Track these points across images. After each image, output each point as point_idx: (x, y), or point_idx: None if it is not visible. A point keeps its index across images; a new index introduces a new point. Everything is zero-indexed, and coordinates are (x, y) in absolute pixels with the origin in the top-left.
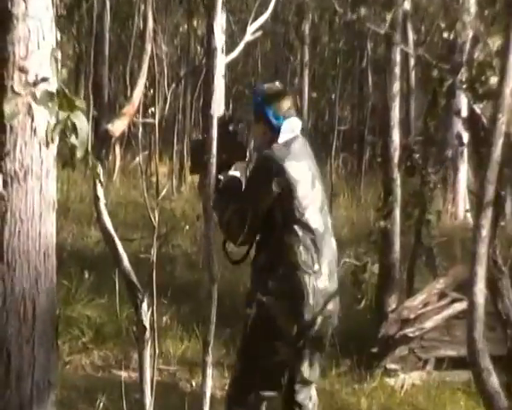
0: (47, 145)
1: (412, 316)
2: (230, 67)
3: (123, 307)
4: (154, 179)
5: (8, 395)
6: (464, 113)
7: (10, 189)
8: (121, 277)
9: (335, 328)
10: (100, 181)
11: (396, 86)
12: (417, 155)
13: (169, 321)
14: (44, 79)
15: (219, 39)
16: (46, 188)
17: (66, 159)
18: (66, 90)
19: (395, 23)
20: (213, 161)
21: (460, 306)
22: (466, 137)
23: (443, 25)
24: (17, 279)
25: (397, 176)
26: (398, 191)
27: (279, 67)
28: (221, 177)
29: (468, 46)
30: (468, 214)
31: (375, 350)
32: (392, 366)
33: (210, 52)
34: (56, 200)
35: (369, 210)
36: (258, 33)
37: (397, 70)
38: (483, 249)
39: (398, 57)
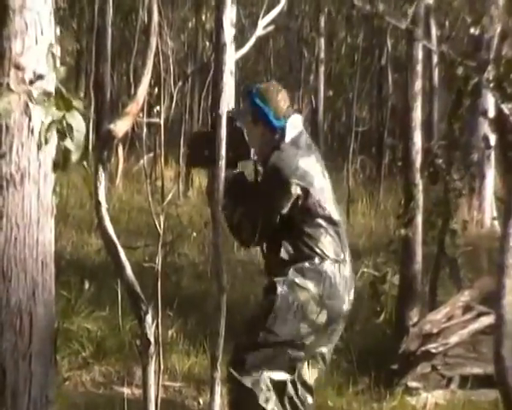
0: (39, 147)
1: (435, 331)
2: (240, 64)
3: (125, 319)
4: (159, 183)
5: None
6: (491, 113)
7: (6, 193)
8: (124, 287)
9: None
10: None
11: (418, 85)
12: (440, 160)
13: (175, 335)
14: (42, 77)
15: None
16: (44, 192)
17: (57, 161)
18: (64, 90)
19: (417, 17)
20: (222, 163)
21: (487, 320)
22: (493, 139)
23: (468, 19)
24: (13, 290)
25: (419, 181)
26: (420, 198)
27: (293, 64)
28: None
29: (495, 42)
30: (496, 222)
31: (395, 367)
32: (414, 384)
33: (219, 48)
34: (55, 205)
35: (389, 218)
36: (270, 28)
37: (419, 68)
38: (511, 260)
39: (420, 54)
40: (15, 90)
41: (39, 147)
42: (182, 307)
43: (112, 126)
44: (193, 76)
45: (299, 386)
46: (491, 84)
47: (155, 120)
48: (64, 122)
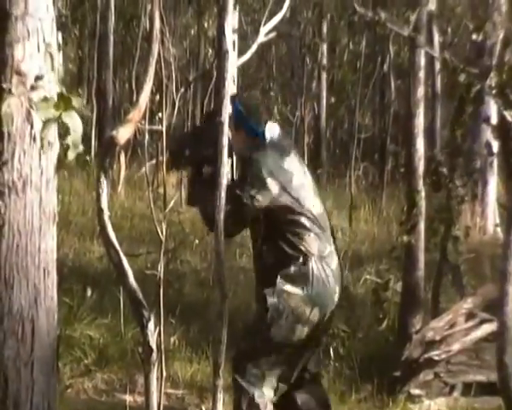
0: (42, 147)
1: (438, 338)
2: (242, 71)
3: (128, 326)
4: (161, 190)
5: None
6: (494, 120)
7: (8, 200)
8: (126, 295)
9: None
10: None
11: (420, 92)
12: (443, 167)
13: (177, 342)
14: (41, 78)
15: (231, 41)
16: (46, 199)
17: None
18: (63, 89)
19: (419, 24)
20: (225, 171)
21: (489, 327)
22: (495, 146)
23: (471, 25)
24: (15, 297)
25: (421, 188)
26: (423, 204)
27: (295, 70)
28: (205, 170)
29: (498, 48)
30: (498, 229)
31: (397, 374)
32: (417, 392)
33: (221, 55)
34: (57, 212)
35: (392, 224)
36: (273, 34)
37: (421, 74)
38: None
39: (422, 61)
40: (17, 96)
41: (42, 148)
42: (184, 314)
43: (114, 133)
44: (195, 83)
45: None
46: (494, 91)
47: (157, 127)
48: (60, 121)
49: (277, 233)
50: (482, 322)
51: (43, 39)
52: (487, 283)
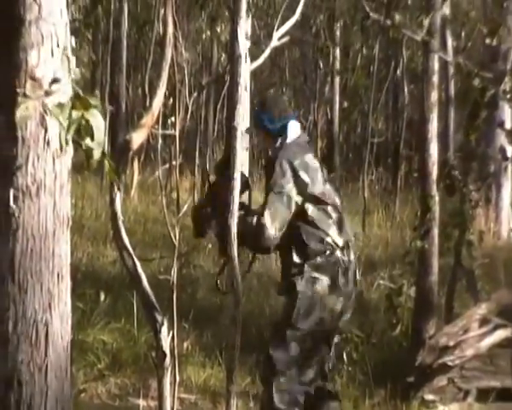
0: (60, 149)
1: (452, 343)
2: (255, 76)
3: (141, 331)
4: (174, 195)
5: None
6: (508, 125)
7: (22, 205)
8: (139, 299)
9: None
10: (117, 186)
11: (434, 96)
12: (457, 172)
13: (190, 347)
14: (57, 81)
15: (244, 46)
16: (60, 204)
17: (81, 162)
18: (80, 90)
19: (433, 29)
20: (238, 175)
21: (503, 333)
22: (510, 151)
23: (485, 30)
24: (29, 302)
25: (435, 193)
26: (437, 209)
27: (308, 75)
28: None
29: None
30: None
31: (411, 380)
32: (430, 397)
33: (234, 59)
34: (71, 217)
35: (405, 229)
36: (286, 39)
37: (435, 79)
38: None
39: (436, 65)
40: (32, 101)
41: (60, 149)
42: (197, 319)
43: (127, 138)
44: (208, 87)
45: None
46: (508, 96)
47: (170, 131)
48: (83, 121)
49: (306, 227)
50: (496, 327)
51: (57, 44)
52: (501, 288)
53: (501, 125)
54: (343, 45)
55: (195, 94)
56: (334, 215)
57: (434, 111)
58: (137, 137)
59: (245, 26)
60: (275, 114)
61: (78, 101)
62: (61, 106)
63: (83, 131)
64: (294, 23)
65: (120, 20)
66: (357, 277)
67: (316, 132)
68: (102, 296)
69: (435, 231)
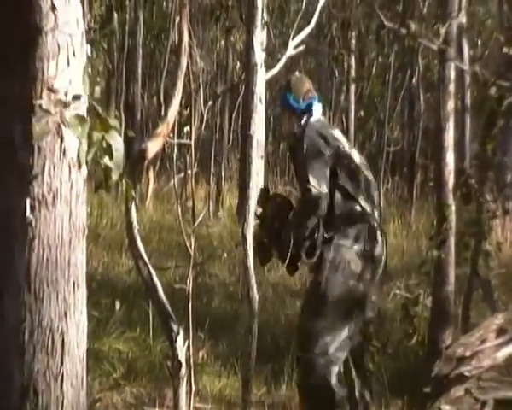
0: (79, 167)
1: (468, 354)
2: (270, 85)
3: (156, 340)
4: (189, 204)
5: None
6: None
7: (38, 214)
8: (155, 308)
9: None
10: (134, 202)
11: (450, 105)
12: (473, 181)
13: (206, 356)
14: (75, 99)
15: (259, 55)
16: (76, 213)
17: (99, 181)
18: (100, 110)
19: (449, 37)
20: (254, 182)
21: None
22: None
23: (501, 39)
24: (45, 311)
25: (452, 202)
26: (453, 218)
27: (323, 84)
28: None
29: None
30: None
31: (427, 390)
32: (447, 408)
33: (249, 68)
34: (86, 226)
35: (421, 238)
36: (301, 48)
37: (451, 88)
38: None
39: (452, 74)
40: (47, 110)
41: (79, 167)
42: (212, 328)
43: (142, 147)
44: (223, 96)
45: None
46: None
47: (186, 140)
48: (104, 143)
49: (334, 195)
50: None
51: (73, 54)
52: None
53: None
54: (358, 54)
55: (210, 103)
56: (362, 182)
57: (451, 120)
58: (153, 147)
59: (260, 35)
60: (299, 94)
61: (99, 121)
62: (78, 117)
63: (102, 151)
64: (309, 32)
65: (136, 28)
66: (384, 252)
67: None
68: (118, 305)
69: (452, 241)
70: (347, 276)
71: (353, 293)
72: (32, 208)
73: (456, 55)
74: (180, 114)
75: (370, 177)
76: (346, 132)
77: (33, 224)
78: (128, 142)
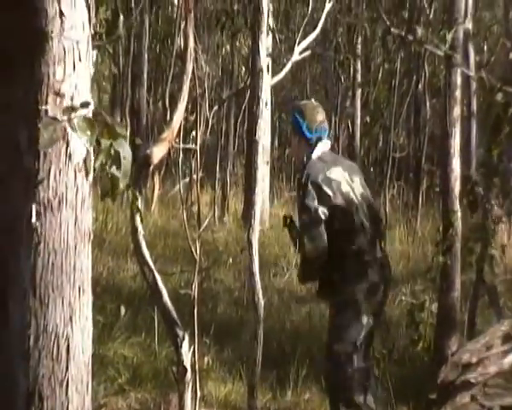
0: (86, 175)
1: (474, 360)
2: (276, 90)
3: (162, 345)
4: (195, 209)
5: None
6: None
7: (43, 219)
8: (160, 313)
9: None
10: (139, 213)
11: (456, 111)
12: (479, 188)
13: (211, 362)
14: (86, 105)
15: (265, 60)
16: (81, 218)
17: (106, 190)
18: (108, 118)
19: (456, 43)
20: (258, 189)
21: None
22: None
23: (508, 44)
24: (50, 316)
25: (458, 208)
26: (459, 225)
27: (329, 89)
28: None
29: None
30: None
31: (433, 396)
32: None
33: (255, 73)
34: (92, 230)
35: (427, 245)
36: (306, 53)
37: (457, 94)
38: None
39: (458, 80)
40: (54, 117)
41: (86, 175)
42: (218, 333)
43: (148, 152)
44: (228, 101)
45: None
46: None
47: (191, 145)
48: (112, 151)
49: (334, 236)
50: None
51: (79, 59)
52: None
53: None
54: (364, 59)
55: (216, 108)
56: (358, 225)
57: (457, 126)
58: (158, 152)
59: (266, 40)
60: (313, 124)
61: (106, 129)
62: (86, 120)
63: (110, 160)
64: (315, 38)
65: (142, 33)
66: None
67: (337, 147)
68: (123, 310)
69: (457, 247)
70: (357, 313)
71: (367, 296)
72: (38, 213)
73: (463, 61)
74: (185, 119)
75: (368, 203)
76: (352, 137)
77: (39, 229)
78: (134, 149)
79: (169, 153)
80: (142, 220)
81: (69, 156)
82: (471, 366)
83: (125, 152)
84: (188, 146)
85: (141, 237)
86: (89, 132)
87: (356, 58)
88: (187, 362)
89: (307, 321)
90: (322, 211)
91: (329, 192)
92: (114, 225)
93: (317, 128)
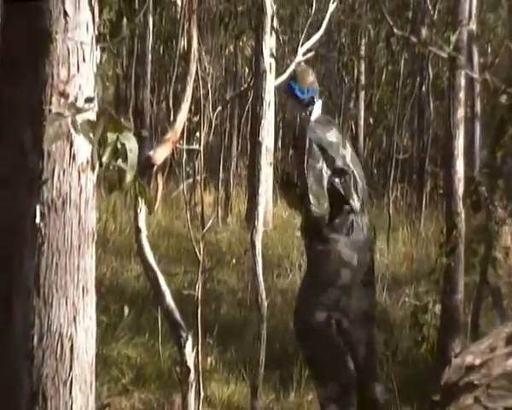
0: (92, 169)
1: (478, 362)
2: (278, 91)
3: (165, 346)
4: (198, 209)
5: None
6: None
7: (47, 219)
8: (163, 314)
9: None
10: (149, 203)
11: (460, 113)
12: (483, 189)
13: (214, 362)
14: (88, 101)
15: (268, 61)
16: (85, 218)
17: (113, 183)
18: (113, 112)
19: (460, 45)
20: (262, 190)
21: None
22: None
23: None
24: (54, 316)
25: (461, 210)
26: (463, 226)
27: (333, 90)
28: None
29: None
30: None
31: (437, 398)
32: None
33: (258, 74)
34: (95, 231)
35: (430, 246)
36: (310, 54)
37: (461, 95)
38: None
39: (462, 81)
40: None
41: (92, 169)
42: (221, 334)
43: (151, 153)
44: (232, 102)
45: None
46: None
47: (194, 146)
48: (118, 143)
49: (329, 193)
50: None
51: (83, 59)
52: None
53: None
54: (368, 61)
55: (219, 108)
56: (354, 183)
57: (460, 127)
58: (162, 153)
59: (269, 41)
60: (305, 85)
61: (112, 123)
62: (89, 123)
63: (117, 153)
64: (319, 39)
65: (145, 34)
66: (372, 235)
67: None
68: (126, 311)
69: (461, 249)
70: (338, 263)
71: (343, 279)
72: (42, 213)
73: (467, 63)
74: (189, 119)
75: (359, 175)
76: (355, 138)
77: (43, 229)
78: (141, 143)
79: (172, 154)
80: (150, 212)
81: (73, 156)
82: (475, 368)
83: (131, 144)
84: (191, 147)
85: (144, 238)
86: (92, 135)
87: (359, 59)
88: (190, 363)
89: None
90: (326, 171)
91: (333, 154)
92: (118, 226)
93: (309, 88)
